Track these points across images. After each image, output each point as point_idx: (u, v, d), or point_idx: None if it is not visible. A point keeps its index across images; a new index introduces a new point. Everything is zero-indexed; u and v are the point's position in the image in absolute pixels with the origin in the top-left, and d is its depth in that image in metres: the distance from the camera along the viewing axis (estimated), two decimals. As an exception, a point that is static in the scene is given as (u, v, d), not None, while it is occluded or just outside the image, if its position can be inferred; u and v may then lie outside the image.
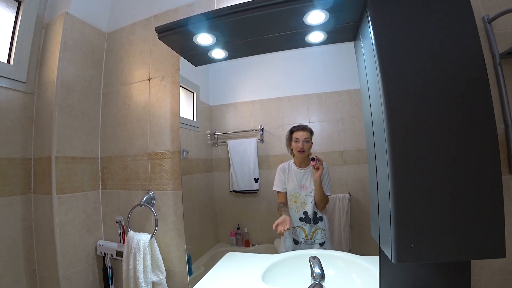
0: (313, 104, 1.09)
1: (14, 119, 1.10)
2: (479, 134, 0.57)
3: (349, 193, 1.02)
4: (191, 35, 0.91)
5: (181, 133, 1.11)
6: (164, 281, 1.05)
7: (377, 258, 0.75)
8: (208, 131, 1.25)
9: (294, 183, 1.08)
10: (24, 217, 1.11)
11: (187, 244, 1.08)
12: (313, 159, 1.01)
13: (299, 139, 1.07)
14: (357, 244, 1.00)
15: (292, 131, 1.08)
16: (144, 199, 1.11)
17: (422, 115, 0.59)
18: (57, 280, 1.04)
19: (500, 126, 0.77)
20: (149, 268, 1.02)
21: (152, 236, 1.06)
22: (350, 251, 1.00)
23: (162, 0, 1.23)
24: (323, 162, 1.02)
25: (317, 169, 1.01)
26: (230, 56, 1.06)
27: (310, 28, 0.86)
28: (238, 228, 1.18)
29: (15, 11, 1.14)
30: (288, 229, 1.01)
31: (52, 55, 1.15)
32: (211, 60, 1.09)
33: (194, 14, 0.94)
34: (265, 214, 1.14)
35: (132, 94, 1.24)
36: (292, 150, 1.09)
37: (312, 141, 1.06)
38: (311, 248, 1.04)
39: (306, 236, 1.05)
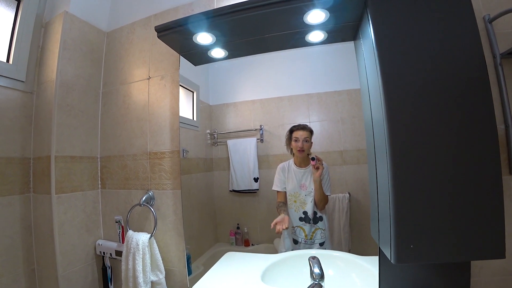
0: (313, 103, 1.09)
1: (13, 118, 1.10)
2: (479, 135, 0.57)
3: (349, 193, 1.02)
4: (190, 34, 0.91)
5: (181, 132, 1.11)
6: (163, 280, 1.05)
7: (376, 258, 0.75)
8: (208, 131, 1.25)
9: (293, 182, 1.08)
10: (23, 216, 1.10)
11: (187, 243, 1.08)
12: (313, 159, 1.01)
13: (299, 139, 1.06)
14: (356, 244, 1.00)
15: (292, 131, 1.08)
16: (144, 198, 1.11)
17: (422, 115, 0.59)
18: (56, 280, 1.04)
19: (500, 127, 0.76)
20: (148, 268, 1.02)
21: (151, 236, 1.06)
22: (349, 251, 1.00)
23: (162, -1, 1.23)
24: (323, 162, 1.02)
25: (317, 168, 1.01)
26: (230, 56, 1.05)
27: (310, 28, 0.86)
28: (238, 228, 1.18)
29: (15, 10, 1.13)
30: (286, 228, 1.01)
31: (51, 54, 1.15)
32: (211, 60, 1.08)
33: (194, 13, 0.94)
34: (264, 213, 1.14)
35: (131, 93, 1.24)
36: (292, 149, 1.09)
37: (312, 140, 1.06)
38: (310, 248, 1.04)
39: (305, 236, 1.05)
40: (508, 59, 0.77)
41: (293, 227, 1.07)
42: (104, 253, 1.19)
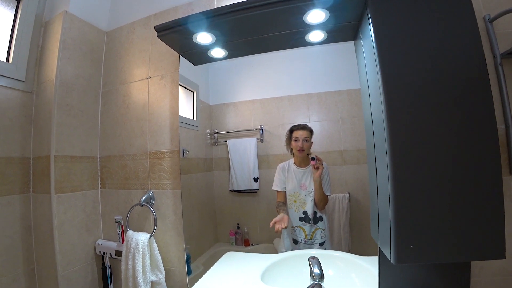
0: (313, 103, 1.09)
1: (13, 118, 1.10)
2: (480, 135, 0.57)
3: (349, 193, 1.02)
4: (190, 34, 0.91)
5: (181, 132, 1.11)
6: (163, 280, 1.05)
7: (376, 258, 0.75)
8: (208, 130, 1.25)
9: (293, 182, 1.08)
10: (23, 216, 1.10)
11: (186, 243, 1.08)
12: (313, 159, 1.01)
13: (299, 138, 1.06)
14: (356, 244, 1.00)
15: (292, 130, 1.08)
16: (143, 198, 1.11)
17: (422, 115, 0.59)
18: (56, 279, 1.04)
19: (500, 127, 0.76)
20: (148, 268, 1.02)
21: (151, 236, 1.06)
22: (349, 251, 1.00)
23: (162, -1, 1.22)
24: (323, 162, 1.02)
25: (317, 168, 1.01)
26: (230, 55, 1.05)
27: (310, 27, 0.86)
28: (238, 228, 1.18)
29: (14, 9, 1.13)
30: (285, 227, 1.01)
31: (51, 54, 1.15)
32: (211, 59, 1.08)
33: (193, 12, 0.94)
34: (264, 213, 1.14)
35: (131, 93, 1.24)
36: (291, 149, 1.09)
37: (312, 140, 1.06)
38: (310, 248, 1.04)
39: (305, 236, 1.05)
40: (508, 59, 0.77)
41: (293, 227, 1.07)
42: (104, 253, 1.19)
